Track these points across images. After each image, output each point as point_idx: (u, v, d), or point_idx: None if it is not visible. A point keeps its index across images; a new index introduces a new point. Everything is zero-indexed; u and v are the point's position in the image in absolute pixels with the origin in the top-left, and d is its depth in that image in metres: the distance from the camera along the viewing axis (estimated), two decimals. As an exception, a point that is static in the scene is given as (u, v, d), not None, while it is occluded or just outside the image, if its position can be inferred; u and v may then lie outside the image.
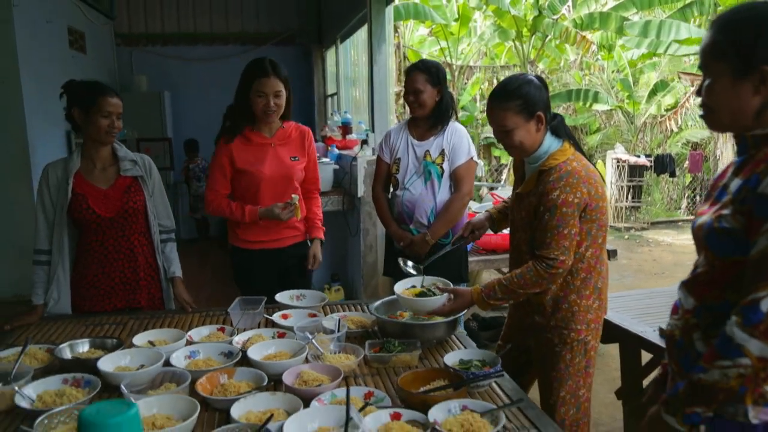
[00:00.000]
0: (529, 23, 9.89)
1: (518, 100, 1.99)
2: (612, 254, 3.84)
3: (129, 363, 1.92)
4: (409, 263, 2.49)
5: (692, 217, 10.76)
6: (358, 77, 6.15)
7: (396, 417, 1.56)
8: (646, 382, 2.71)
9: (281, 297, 2.57)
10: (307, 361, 1.93)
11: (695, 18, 10.23)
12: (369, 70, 4.29)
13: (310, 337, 2.04)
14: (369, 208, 4.34)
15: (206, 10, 7.81)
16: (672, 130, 11.25)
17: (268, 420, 1.47)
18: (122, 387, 1.67)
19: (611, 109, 11.71)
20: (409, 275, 2.43)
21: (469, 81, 11.33)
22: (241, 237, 2.88)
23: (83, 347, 2.06)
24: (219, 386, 1.76)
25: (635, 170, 9.60)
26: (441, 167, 2.98)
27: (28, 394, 1.70)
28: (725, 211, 1.25)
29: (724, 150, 8.82)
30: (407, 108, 3.12)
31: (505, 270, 4.18)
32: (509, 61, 12.32)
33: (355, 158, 4.30)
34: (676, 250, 8.08)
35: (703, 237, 1.29)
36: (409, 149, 3.04)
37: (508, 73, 12.00)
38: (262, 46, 7.86)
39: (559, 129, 2.07)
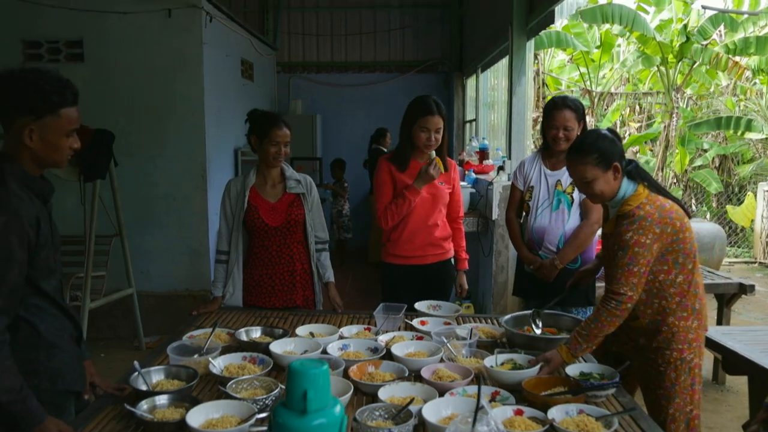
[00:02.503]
0: (675, 49, 9.58)
1: (595, 154, 2.21)
2: (749, 289, 3.76)
3: (293, 348, 2.31)
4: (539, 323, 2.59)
5: None
6: (495, 102, 6.39)
7: (519, 413, 1.80)
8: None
9: (420, 306, 2.89)
10: (442, 361, 2.21)
11: None
12: (508, 100, 4.52)
13: (446, 341, 2.33)
14: (502, 230, 4.55)
15: (357, 41, 8.45)
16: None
17: (410, 402, 1.77)
18: (288, 366, 2.05)
19: (764, 140, 10.95)
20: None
21: (609, 108, 11.12)
22: (390, 252, 3.22)
23: (256, 333, 2.50)
24: (367, 374, 2.08)
25: (790, 204, 8.93)
26: (571, 196, 3.14)
27: (218, 364, 2.13)
28: None
29: None
30: (537, 136, 3.33)
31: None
32: (653, 87, 11.94)
33: (491, 183, 4.54)
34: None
35: None
36: (541, 178, 3.23)
37: (650, 100, 11.64)
38: (406, 74, 8.36)
39: (634, 173, 2.25)
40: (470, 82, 7.59)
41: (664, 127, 10.32)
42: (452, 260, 3.32)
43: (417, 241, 3.17)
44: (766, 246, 9.06)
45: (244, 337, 2.43)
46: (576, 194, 3.14)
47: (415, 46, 8.42)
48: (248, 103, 6.53)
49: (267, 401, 1.84)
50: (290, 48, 8.46)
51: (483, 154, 5.60)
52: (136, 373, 1.98)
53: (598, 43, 10.00)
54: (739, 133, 9.92)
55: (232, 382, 1.94)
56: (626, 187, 2.26)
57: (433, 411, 1.76)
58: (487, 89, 6.83)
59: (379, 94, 8.31)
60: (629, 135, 11.89)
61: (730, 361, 2.52)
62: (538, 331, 2.52)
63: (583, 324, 2.22)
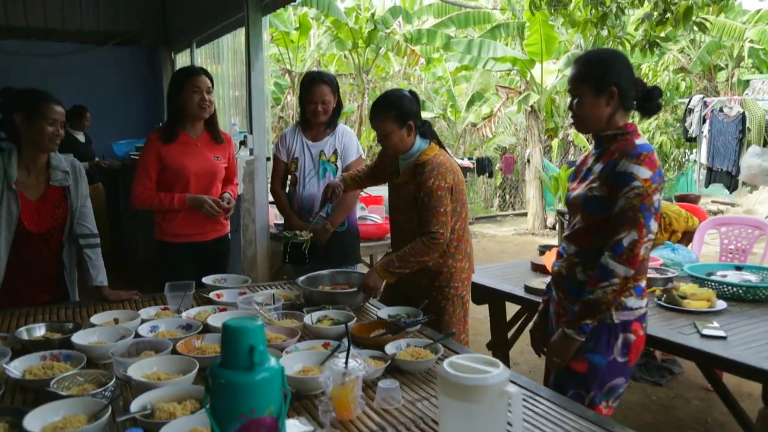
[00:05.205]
0: (365, 35, 10.62)
1: (394, 111, 2.53)
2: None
3: (99, 338, 2.10)
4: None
5: (505, 213, 12.29)
6: (219, 81, 6.29)
7: (356, 355, 1.98)
8: (509, 334, 3.40)
9: (206, 280, 2.89)
10: (261, 326, 2.26)
11: (502, 38, 11.71)
12: (247, 75, 4.56)
13: (258, 308, 2.38)
14: (248, 205, 4.62)
15: (39, 2, 7.36)
16: (487, 136, 12.74)
17: (264, 363, 1.81)
18: (112, 354, 1.89)
19: (435, 117, 12.92)
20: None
21: (309, 87, 11.78)
22: (166, 231, 3.10)
23: (40, 331, 2.19)
24: (195, 349, 2.03)
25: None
26: (335, 165, 3.41)
27: (14, 368, 1.84)
28: (594, 185, 1.89)
29: (534, 153, 10.27)
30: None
31: (378, 257, 4.73)
32: (339, 69, 13.03)
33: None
34: (500, 240, 9.28)
35: (581, 203, 1.91)
36: (304, 150, 3.42)
37: (343, 80, 12.68)
38: (103, 46, 7.61)
39: (426, 132, 2.64)
40: (182, 59, 7.30)
41: (358, 106, 11.40)
42: (228, 235, 3.35)
43: (197, 218, 3.09)
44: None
45: (25, 336, 2.12)
46: (339, 162, 3.41)
47: (112, 15, 7.69)
48: None
49: (106, 393, 1.69)
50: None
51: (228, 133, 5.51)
52: None
53: (297, 25, 10.49)
54: (416, 112, 11.47)
55: (54, 381, 1.71)
56: (420, 143, 2.59)
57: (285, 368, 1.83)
58: (203, 65, 6.67)
59: (74, 67, 7.39)
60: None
61: (474, 293, 3.06)
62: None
63: (402, 250, 2.52)
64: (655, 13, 5.73)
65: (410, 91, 2.65)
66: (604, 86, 1.87)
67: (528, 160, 10.52)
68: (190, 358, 1.87)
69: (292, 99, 11.17)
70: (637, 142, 1.87)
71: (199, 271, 3.04)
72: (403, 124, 2.52)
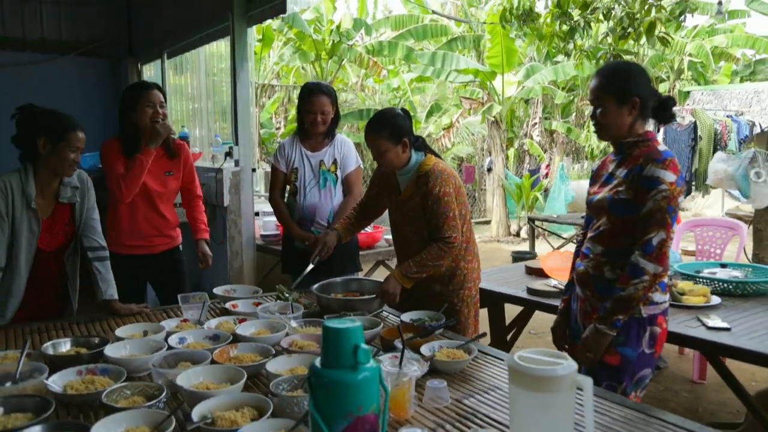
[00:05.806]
0: (328, 47, 10.69)
1: (388, 129, 2.61)
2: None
3: (131, 351, 2.09)
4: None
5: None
6: (195, 92, 6.23)
7: (395, 357, 2.03)
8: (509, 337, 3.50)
9: (217, 291, 2.90)
10: (287, 334, 2.28)
11: (459, 50, 11.98)
12: (232, 87, 4.55)
13: (282, 317, 2.41)
14: (234, 216, 4.60)
15: (-5, 11, 7.12)
16: (445, 147, 12.97)
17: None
18: (152, 366, 1.89)
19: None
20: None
21: (270, 99, 11.76)
22: (114, 240, 3.04)
23: (66, 346, 2.16)
24: (232, 358, 2.05)
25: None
26: (335, 174, 3.45)
27: (54, 383, 1.82)
28: (620, 188, 2.01)
29: (496, 162, 10.51)
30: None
31: (369, 265, 4.77)
32: (297, 81, 13.04)
33: (219, 170, 4.52)
34: (466, 247, 9.40)
35: (607, 206, 2.03)
36: (304, 160, 3.45)
37: (304, 92, 12.69)
38: (65, 56, 7.41)
39: (420, 146, 2.73)
40: (150, 69, 7.17)
41: (321, 117, 11.39)
42: (180, 247, 3.40)
43: (145, 230, 3.15)
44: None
45: (51, 351, 2.09)
46: (339, 172, 3.45)
47: (75, 25, 7.50)
48: None
49: (159, 404, 1.69)
50: None
51: (185, 142, 5.45)
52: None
53: (260, 37, 10.46)
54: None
55: (104, 394, 1.70)
56: (417, 156, 2.68)
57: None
58: (169, 76, 6.58)
59: (35, 78, 7.16)
60: (285, 126, 12.76)
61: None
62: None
63: (416, 256, 2.58)
64: (618, 28, 6.01)
65: (402, 109, 2.74)
66: (628, 97, 2.00)
67: (489, 169, 10.75)
68: (236, 368, 1.88)
69: (254, 110, 11.09)
70: (660, 148, 2.01)
71: (152, 283, 3.19)
72: (398, 141, 2.60)
